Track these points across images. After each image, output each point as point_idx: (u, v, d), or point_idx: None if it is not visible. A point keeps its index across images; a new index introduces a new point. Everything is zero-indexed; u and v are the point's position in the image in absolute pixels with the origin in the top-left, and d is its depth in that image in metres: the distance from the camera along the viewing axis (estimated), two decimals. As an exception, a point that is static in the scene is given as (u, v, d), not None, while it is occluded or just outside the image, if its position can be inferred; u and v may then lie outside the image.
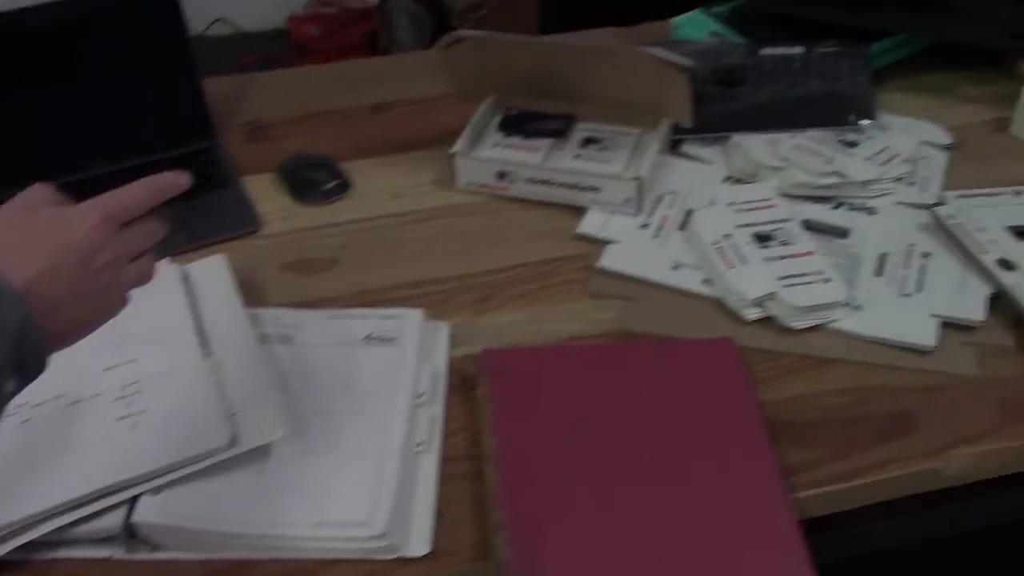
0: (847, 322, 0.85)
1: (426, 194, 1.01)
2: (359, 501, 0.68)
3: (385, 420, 0.74)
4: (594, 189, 0.95)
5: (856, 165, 0.98)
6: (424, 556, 0.67)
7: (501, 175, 0.98)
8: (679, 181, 1.00)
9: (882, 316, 0.85)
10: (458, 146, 0.98)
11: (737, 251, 0.88)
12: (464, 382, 0.81)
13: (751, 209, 0.93)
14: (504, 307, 0.89)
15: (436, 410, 0.77)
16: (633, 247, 0.93)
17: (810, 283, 0.85)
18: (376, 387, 0.77)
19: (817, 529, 0.69)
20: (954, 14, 1.10)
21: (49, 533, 0.65)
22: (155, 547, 0.68)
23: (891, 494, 0.75)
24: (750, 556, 0.66)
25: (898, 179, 0.99)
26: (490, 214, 0.98)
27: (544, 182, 0.97)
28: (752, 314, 0.85)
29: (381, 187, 1.02)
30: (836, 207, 0.97)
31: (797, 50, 1.10)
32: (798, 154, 0.99)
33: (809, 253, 0.88)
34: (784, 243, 0.89)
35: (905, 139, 1.02)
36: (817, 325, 0.84)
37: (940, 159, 1.03)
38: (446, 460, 0.74)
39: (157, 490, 0.68)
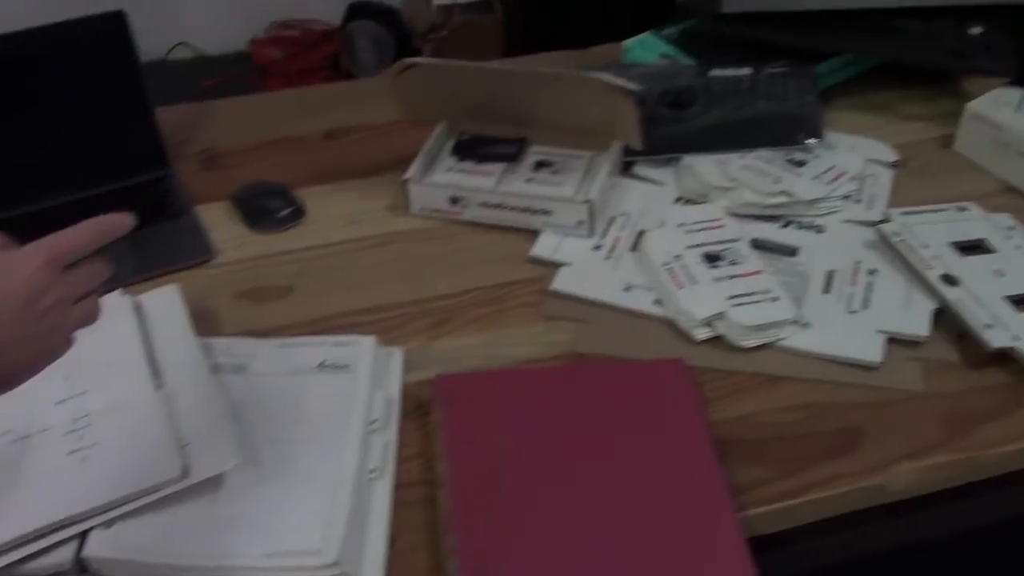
0: (796, 340, 0.86)
1: (380, 220, 1.01)
2: (311, 530, 0.68)
3: (338, 447, 0.74)
4: (546, 212, 0.96)
5: (803, 184, 0.99)
6: (377, 583, 0.68)
7: (454, 200, 0.98)
8: (631, 202, 1.01)
9: (830, 333, 0.86)
10: (411, 172, 0.99)
11: (687, 271, 0.90)
12: (418, 407, 0.81)
13: (701, 229, 0.95)
14: (459, 331, 0.89)
15: (390, 436, 0.78)
16: (586, 269, 0.94)
17: (758, 302, 0.87)
18: (329, 415, 0.77)
19: (766, 546, 0.71)
20: (899, 34, 1.12)
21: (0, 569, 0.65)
22: (107, 581, 0.67)
23: (838, 510, 0.76)
24: (699, 575, 0.67)
25: (845, 197, 1.00)
26: (444, 239, 0.99)
27: (497, 206, 0.97)
28: (702, 334, 0.86)
29: (336, 213, 1.02)
30: (785, 226, 0.98)
31: (745, 71, 1.12)
32: (747, 174, 1.00)
33: (757, 272, 0.90)
34: (733, 263, 0.91)
35: (852, 157, 1.04)
36: (766, 343, 0.86)
37: (886, 176, 1.05)
38: (400, 486, 0.75)
39: (108, 523, 0.68)
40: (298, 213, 1.01)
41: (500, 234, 0.99)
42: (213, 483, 0.71)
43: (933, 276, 0.90)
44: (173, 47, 2.96)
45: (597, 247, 0.96)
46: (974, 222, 0.97)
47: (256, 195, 1.01)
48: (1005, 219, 0.98)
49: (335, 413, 0.77)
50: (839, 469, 0.77)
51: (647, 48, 1.21)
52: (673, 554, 0.68)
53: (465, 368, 0.85)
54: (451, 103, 1.03)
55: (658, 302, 0.90)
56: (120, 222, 0.61)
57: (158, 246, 0.97)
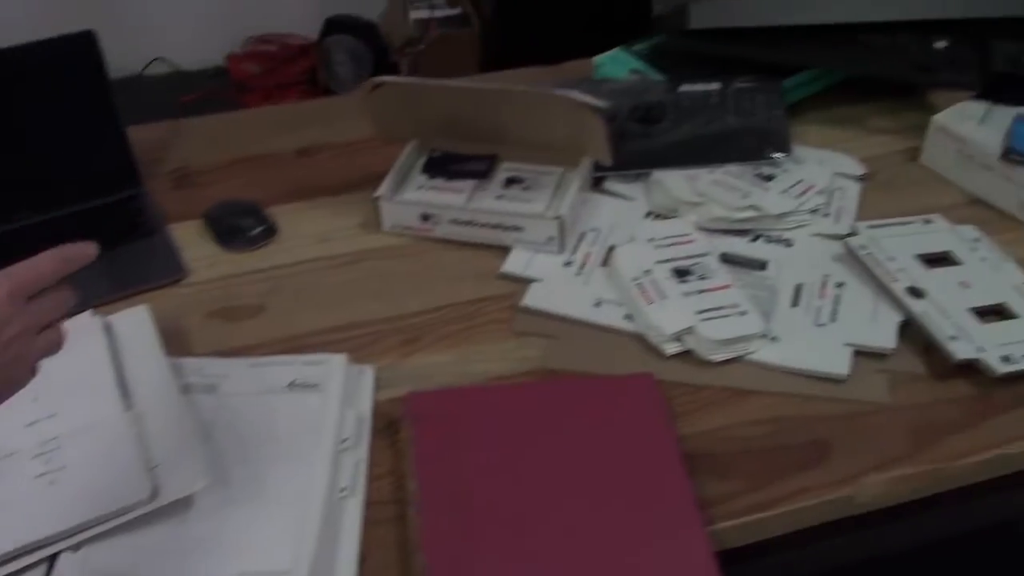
0: (764, 353, 0.87)
1: (352, 237, 1.02)
2: (281, 550, 0.68)
3: (308, 466, 0.74)
4: (517, 229, 0.97)
5: (772, 198, 1.00)
6: (347, 602, 0.68)
7: (425, 217, 0.99)
8: (602, 218, 1.02)
9: (798, 347, 0.87)
10: (382, 190, 0.99)
11: (656, 286, 0.90)
12: (389, 425, 0.81)
13: (670, 244, 0.96)
14: (430, 348, 0.89)
15: (360, 454, 0.78)
16: (556, 285, 0.94)
17: (727, 316, 0.87)
18: (299, 434, 0.77)
19: (736, 560, 0.71)
20: (864, 49, 1.13)
21: (-34, 595, 0.65)
22: (75, 605, 0.67)
23: (806, 522, 0.77)
24: (667, 590, 0.67)
25: (813, 211, 1.01)
26: (416, 256, 0.99)
27: (468, 223, 0.98)
28: (671, 348, 0.87)
29: (308, 231, 1.02)
30: (754, 240, 0.99)
31: (714, 86, 1.13)
32: (715, 189, 1.01)
33: (726, 287, 0.91)
34: (702, 277, 0.92)
35: (819, 171, 1.05)
36: (735, 357, 0.86)
37: (854, 190, 1.06)
38: (370, 504, 0.75)
39: (77, 546, 0.68)
40: (270, 231, 1.01)
41: (471, 251, 0.99)
42: (182, 504, 0.71)
43: (899, 288, 0.91)
44: (150, 62, 2.95)
45: (568, 263, 0.97)
46: (940, 234, 0.98)
47: (228, 213, 1.02)
48: (970, 231, 0.99)
49: (305, 432, 0.77)
50: (807, 482, 0.77)
51: (618, 64, 1.22)
52: (642, 569, 0.68)
53: (436, 385, 0.85)
54: (422, 120, 1.04)
55: (628, 317, 0.90)
56: (83, 251, 0.62)
57: (130, 265, 0.97)
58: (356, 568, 0.70)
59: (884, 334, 0.88)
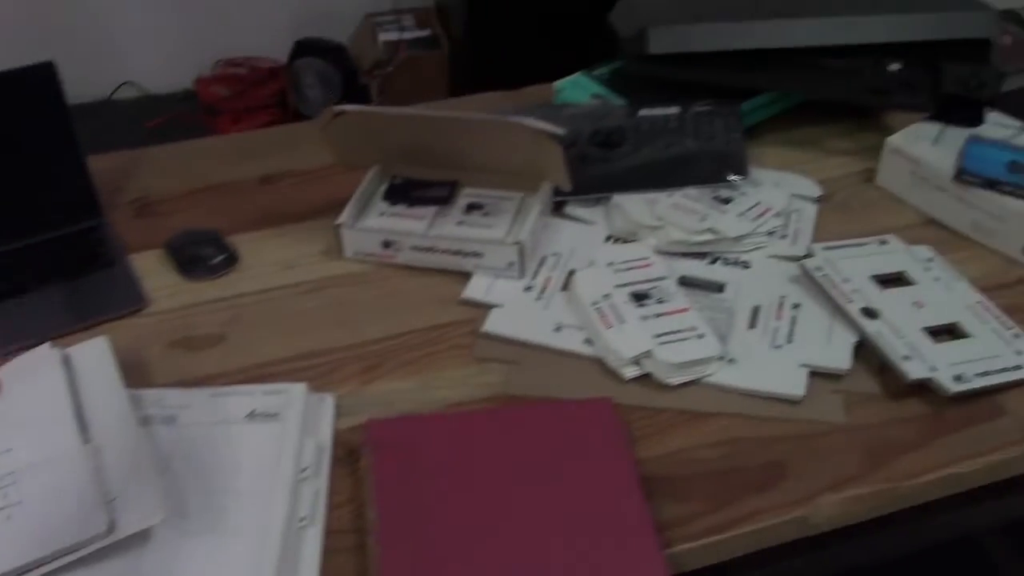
0: (721, 376, 0.88)
1: (315, 265, 1.02)
2: (239, 582, 0.68)
3: (267, 497, 0.75)
4: (477, 255, 0.97)
5: (729, 221, 1.02)
6: (305, 634, 0.68)
7: (387, 244, 0.99)
8: (562, 242, 1.03)
9: (754, 368, 0.88)
10: (343, 217, 1.00)
11: (615, 311, 0.91)
12: (349, 454, 0.82)
13: (629, 268, 0.96)
14: (391, 375, 0.90)
15: (320, 483, 0.78)
16: (517, 310, 0.95)
17: (684, 340, 0.88)
18: (259, 464, 0.78)
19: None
20: (820, 72, 1.15)
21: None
22: (31, 641, 0.67)
23: (763, 543, 0.78)
24: (624, 615, 0.68)
25: (770, 233, 1.03)
26: (378, 282, 1.00)
27: (429, 249, 0.99)
28: (630, 372, 0.88)
29: (270, 259, 1.03)
30: (712, 262, 1.00)
31: (673, 110, 1.14)
32: (674, 212, 1.02)
33: (684, 310, 0.92)
34: (660, 301, 0.93)
35: (777, 193, 1.07)
36: (693, 380, 0.87)
37: (810, 211, 1.08)
38: (330, 534, 0.75)
39: (33, 582, 0.68)
40: (231, 260, 1.01)
41: (433, 277, 1.00)
42: (140, 538, 0.71)
43: (853, 309, 0.92)
44: (118, 87, 2.95)
45: (528, 288, 0.97)
46: (894, 255, 1.00)
47: (189, 243, 1.02)
48: (924, 251, 1.00)
49: (265, 462, 0.78)
50: (763, 503, 0.78)
51: (579, 88, 1.23)
52: (598, 595, 0.69)
53: (397, 412, 0.86)
54: (382, 148, 1.04)
55: (588, 342, 0.91)
56: None
57: (90, 296, 0.97)
58: (315, 598, 0.70)
59: (839, 355, 0.89)
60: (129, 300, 0.97)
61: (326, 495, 0.78)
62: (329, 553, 0.73)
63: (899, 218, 1.08)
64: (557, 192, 1.05)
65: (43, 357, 0.85)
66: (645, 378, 0.88)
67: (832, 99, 1.18)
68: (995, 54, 1.17)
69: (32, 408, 0.78)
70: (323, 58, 2.83)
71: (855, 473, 0.81)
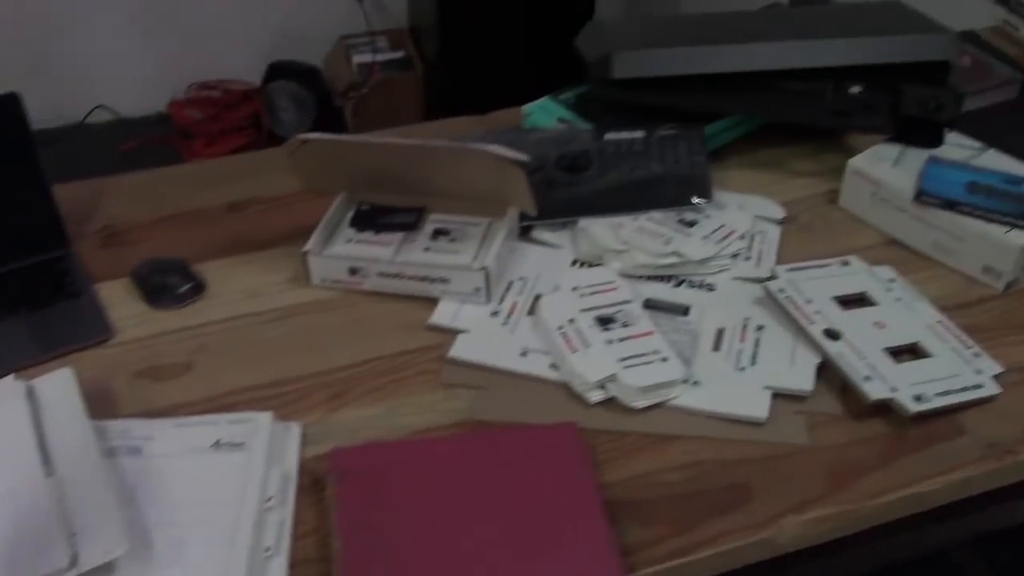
0: (685, 399, 0.89)
1: (282, 292, 1.02)
2: (202, 614, 0.68)
3: (232, 527, 0.75)
4: (444, 280, 0.98)
5: (693, 244, 1.03)
6: (269, 665, 0.68)
7: (353, 271, 1.00)
8: (529, 267, 1.04)
9: (718, 391, 0.89)
10: (310, 244, 1.00)
11: (580, 335, 0.92)
12: (315, 482, 0.82)
13: (594, 292, 0.97)
14: (358, 402, 0.90)
15: (285, 513, 0.78)
16: (483, 335, 0.95)
17: (649, 363, 0.89)
18: (224, 494, 0.78)
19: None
20: (782, 95, 1.17)
21: None
22: (-7, 678, 0.67)
23: (728, 566, 0.78)
24: (587, 641, 0.68)
25: (734, 255, 1.04)
26: (345, 309, 1.00)
27: (396, 276, 0.99)
28: (595, 396, 0.88)
29: (237, 287, 1.03)
30: (677, 285, 1.01)
31: (638, 134, 1.15)
32: (639, 236, 1.03)
33: (648, 333, 0.92)
34: (625, 324, 0.93)
35: (741, 216, 1.08)
36: (657, 403, 0.88)
37: (774, 233, 1.09)
38: (295, 564, 0.75)
39: (-5, 618, 0.68)
40: (198, 288, 1.01)
41: (400, 303, 1.00)
42: (103, 571, 0.71)
43: (816, 331, 0.93)
44: (91, 110, 2.94)
45: (495, 313, 0.98)
46: (856, 276, 1.01)
47: (155, 271, 1.02)
48: (886, 271, 1.02)
49: (230, 492, 0.78)
50: (727, 525, 0.79)
51: (546, 112, 1.24)
52: (562, 621, 0.69)
53: (363, 439, 0.86)
54: (349, 175, 1.05)
55: (554, 366, 0.92)
56: None
57: (55, 327, 0.96)
58: (280, 629, 0.70)
59: (802, 376, 0.90)
60: (95, 330, 0.96)
61: (291, 524, 0.78)
62: (294, 583, 0.74)
63: (861, 239, 1.09)
64: (524, 216, 1.06)
65: (7, 389, 0.84)
66: (610, 402, 0.89)
67: (794, 122, 1.19)
68: (954, 76, 1.19)
69: (-5, 441, 0.78)
70: (297, 81, 2.83)
71: (818, 494, 0.82)
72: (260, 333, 0.98)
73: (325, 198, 1.07)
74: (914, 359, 0.92)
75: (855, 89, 1.17)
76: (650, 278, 1.02)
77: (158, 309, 1.00)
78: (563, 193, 1.10)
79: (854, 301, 0.97)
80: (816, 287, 0.98)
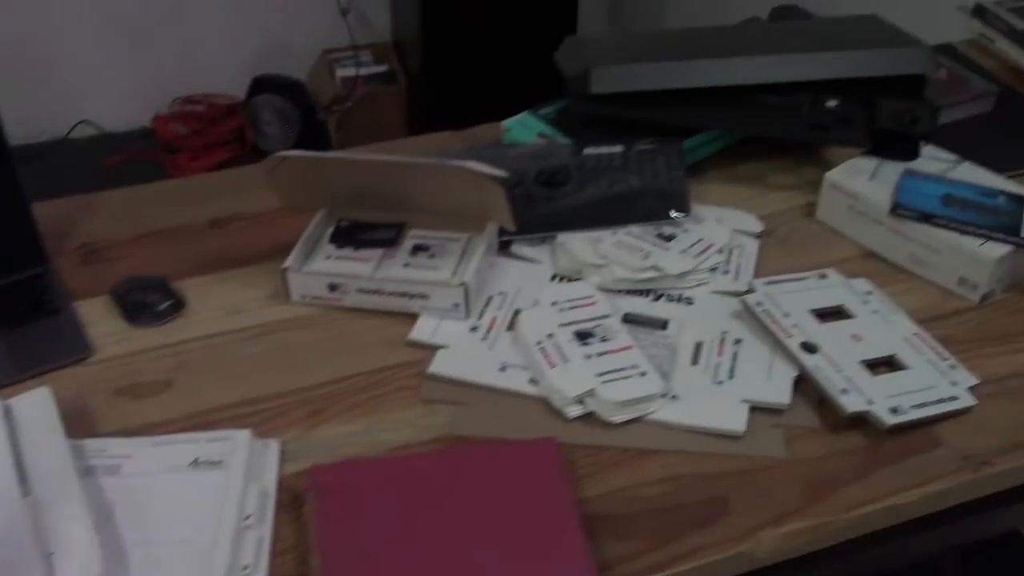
0: (664, 413, 0.89)
1: (262, 309, 1.02)
2: (179, 634, 0.68)
3: (210, 546, 0.75)
4: (423, 296, 0.98)
5: (672, 258, 1.03)
6: None
7: (333, 287, 1.00)
8: (508, 282, 1.04)
9: (697, 405, 0.90)
10: (289, 261, 1.00)
11: (559, 350, 0.92)
12: (294, 500, 0.82)
13: (573, 307, 0.98)
14: (338, 419, 0.90)
15: (264, 531, 0.78)
16: (463, 351, 0.96)
17: (627, 378, 0.89)
18: (202, 513, 0.78)
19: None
20: (759, 109, 1.18)
21: None
22: None
23: (706, 580, 0.79)
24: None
25: (712, 269, 1.04)
26: (325, 325, 1.00)
27: (375, 292, 0.99)
28: (574, 411, 0.89)
29: (217, 304, 1.03)
30: (656, 299, 1.02)
31: (617, 149, 1.16)
32: (617, 251, 1.04)
33: (627, 348, 0.93)
34: (604, 339, 0.94)
35: (719, 229, 1.09)
36: (636, 418, 0.88)
37: (752, 247, 1.09)
38: (274, 582, 0.75)
39: (-30, 640, 0.67)
40: (178, 306, 1.01)
41: (380, 319, 1.00)
42: (80, 591, 0.70)
43: (793, 344, 0.93)
44: (75, 125, 2.94)
45: (474, 328, 0.98)
46: (833, 288, 1.02)
47: (135, 289, 1.02)
48: (863, 284, 1.03)
49: (208, 511, 0.78)
50: (705, 539, 0.79)
51: (526, 128, 1.24)
52: (539, 637, 0.69)
53: (343, 456, 0.86)
54: (328, 192, 1.05)
55: (533, 381, 0.92)
56: None
57: (34, 345, 0.96)
58: (257, 648, 0.70)
59: (779, 390, 0.91)
60: (74, 348, 0.96)
61: (270, 542, 0.78)
62: (272, 601, 0.74)
63: (839, 252, 1.10)
64: (504, 231, 1.06)
65: (-16, 409, 0.84)
66: (589, 417, 0.89)
67: (771, 136, 1.20)
68: (930, 89, 1.21)
69: (-29, 462, 0.78)
70: (281, 95, 2.84)
71: (796, 507, 0.82)
72: (240, 350, 0.98)
73: (306, 214, 1.08)
74: (890, 371, 0.92)
75: (832, 103, 1.18)
76: (629, 292, 1.02)
77: (138, 327, 1.00)
78: (542, 208, 1.10)
79: (831, 314, 0.98)
80: (793, 300, 0.99)
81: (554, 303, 0.98)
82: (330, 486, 0.80)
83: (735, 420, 0.88)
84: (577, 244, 1.05)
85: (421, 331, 0.98)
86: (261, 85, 2.87)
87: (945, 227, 1.03)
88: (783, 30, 1.33)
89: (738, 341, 0.97)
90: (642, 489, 0.83)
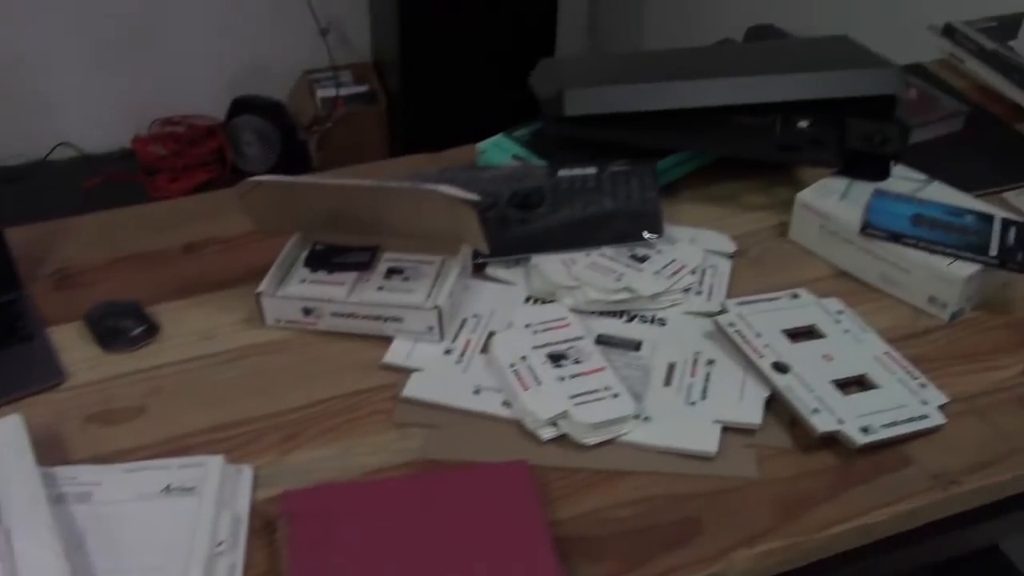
0: (637, 434, 0.89)
1: (236, 333, 1.02)
2: (149, 663, 0.68)
3: (181, 574, 0.74)
4: (397, 319, 0.98)
5: (645, 280, 1.04)
6: None
7: (307, 311, 1.00)
8: (482, 304, 1.04)
9: (669, 426, 0.90)
10: (263, 285, 1.01)
11: (532, 372, 0.93)
12: (266, 525, 0.82)
13: (547, 329, 0.98)
14: (311, 443, 0.90)
15: (236, 557, 0.78)
16: (436, 374, 0.96)
17: (600, 399, 0.90)
18: (174, 540, 0.77)
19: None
20: (732, 130, 1.19)
21: None
22: None
23: (677, 602, 0.79)
24: None
25: (685, 290, 1.05)
26: (299, 349, 1.00)
27: (350, 315, 0.99)
28: (547, 434, 0.89)
29: (190, 329, 1.03)
30: (629, 320, 1.02)
31: (591, 170, 1.17)
32: (591, 272, 1.04)
33: (600, 369, 0.93)
34: (577, 361, 0.94)
35: (692, 250, 1.09)
36: (608, 440, 0.89)
37: (725, 267, 1.10)
38: (246, 608, 0.75)
39: (-62, 672, 0.67)
40: (151, 331, 1.01)
41: (354, 342, 1.00)
42: (49, 621, 0.70)
43: (764, 364, 0.94)
44: (54, 147, 2.94)
45: (448, 351, 0.98)
46: (805, 308, 1.02)
47: (108, 314, 1.01)
48: (834, 303, 1.03)
49: (180, 538, 0.77)
50: (677, 560, 0.80)
51: (500, 150, 1.25)
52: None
53: (317, 480, 0.86)
54: (302, 216, 1.05)
55: (507, 404, 0.92)
56: None
57: (7, 371, 0.96)
58: (228, 676, 0.70)
59: (751, 410, 0.91)
60: (47, 375, 0.96)
61: (242, 569, 0.78)
62: (244, 628, 0.73)
63: (811, 271, 1.11)
64: (478, 253, 1.07)
65: (-46, 437, 0.84)
66: (562, 439, 0.89)
67: (744, 156, 1.21)
68: (900, 109, 1.22)
69: (-59, 491, 0.77)
70: (261, 115, 2.84)
71: (768, 527, 0.82)
72: (214, 375, 0.97)
73: (281, 238, 1.08)
74: (861, 391, 0.93)
75: (803, 123, 1.19)
76: (602, 314, 1.03)
77: (111, 352, 0.99)
78: (516, 230, 1.11)
79: (803, 334, 0.99)
80: (765, 320, 1.00)
81: (528, 325, 0.98)
82: (302, 511, 0.80)
83: (707, 441, 0.88)
84: (551, 266, 1.05)
85: (395, 354, 0.98)
86: (241, 106, 2.87)
87: (915, 246, 1.04)
88: (755, 51, 1.34)
89: (711, 362, 0.97)
90: (615, 511, 0.84)
